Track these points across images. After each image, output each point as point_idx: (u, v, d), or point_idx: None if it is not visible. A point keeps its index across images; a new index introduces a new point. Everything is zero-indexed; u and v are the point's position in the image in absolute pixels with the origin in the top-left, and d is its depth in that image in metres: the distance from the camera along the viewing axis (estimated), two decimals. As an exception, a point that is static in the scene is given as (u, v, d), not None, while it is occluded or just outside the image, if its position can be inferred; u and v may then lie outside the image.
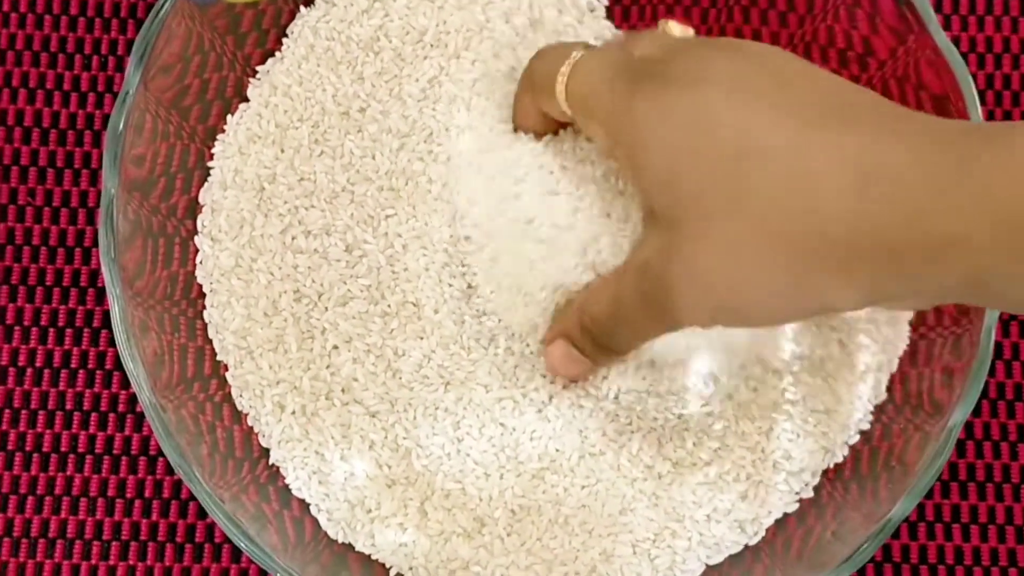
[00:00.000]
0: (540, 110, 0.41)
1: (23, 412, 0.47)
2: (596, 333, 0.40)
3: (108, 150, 0.41)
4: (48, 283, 0.48)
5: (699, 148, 0.32)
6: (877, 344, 0.45)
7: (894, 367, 0.46)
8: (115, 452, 0.47)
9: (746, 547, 0.45)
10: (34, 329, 0.48)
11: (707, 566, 0.45)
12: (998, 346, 0.49)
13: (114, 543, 0.46)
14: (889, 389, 0.46)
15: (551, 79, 0.38)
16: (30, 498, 0.46)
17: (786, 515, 0.45)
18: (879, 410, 0.45)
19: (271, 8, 0.47)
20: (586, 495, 0.44)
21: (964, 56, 0.49)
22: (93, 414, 0.47)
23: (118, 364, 0.48)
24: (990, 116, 0.51)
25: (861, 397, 0.45)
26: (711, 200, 0.31)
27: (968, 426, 0.48)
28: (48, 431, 0.47)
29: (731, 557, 0.45)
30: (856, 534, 0.42)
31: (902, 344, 0.46)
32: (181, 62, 0.45)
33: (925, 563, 0.47)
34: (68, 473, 0.47)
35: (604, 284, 0.40)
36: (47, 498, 0.47)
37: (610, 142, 0.37)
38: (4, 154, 0.49)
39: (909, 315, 0.46)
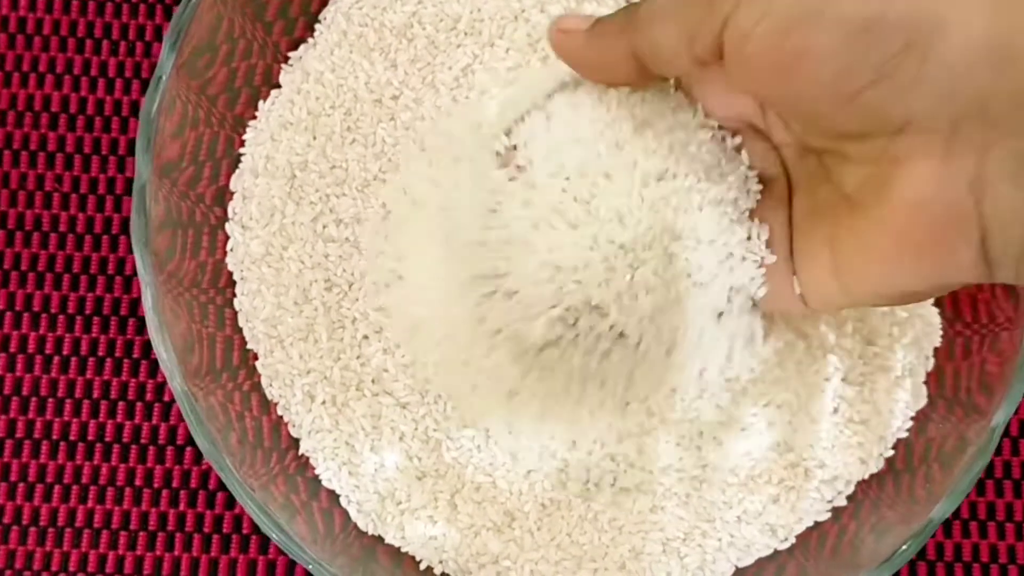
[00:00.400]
0: (635, 62, 0.33)
1: (50, 401, 0.47)
2: None
3: (141, 135, 0.40)
4: (75, 270, 0.48)
5: None
6: (908, 337, 0.45)
7: (930, 365, 0.45)
8: (142, 442, 0.47)
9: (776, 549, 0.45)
10: (61, 317, 0.47)
11: (737, 568, 0.44)
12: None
13: (141, 533, 0.46)
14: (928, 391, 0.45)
15: (713, 21, 0.30)
16: (57, 487, 0.46)
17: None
18: (920, 413, 0.45)
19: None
20: (616, 491, 0.44)
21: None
22: (120, 403, 0.47)
23: (145, 352, 0.47)
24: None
25: (899, 402, 0.44)
26: None
27: (1004, 423, 0.48)
28: (75, 419, 0.47)
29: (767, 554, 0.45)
30: (891, 533, 0.42)
31: (936, 337, 0.45)
32: (212, 48, 0.44)
33: (960, 561, 0.47)
34: (95, 463, 0.46)
35: None
36: (74, 487, 0.46)
37: None
38: (31, 140, 0.49)
39: (935, 308, 0.45)
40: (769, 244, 0.35)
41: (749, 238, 0.35)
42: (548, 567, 0.43)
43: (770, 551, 0.44)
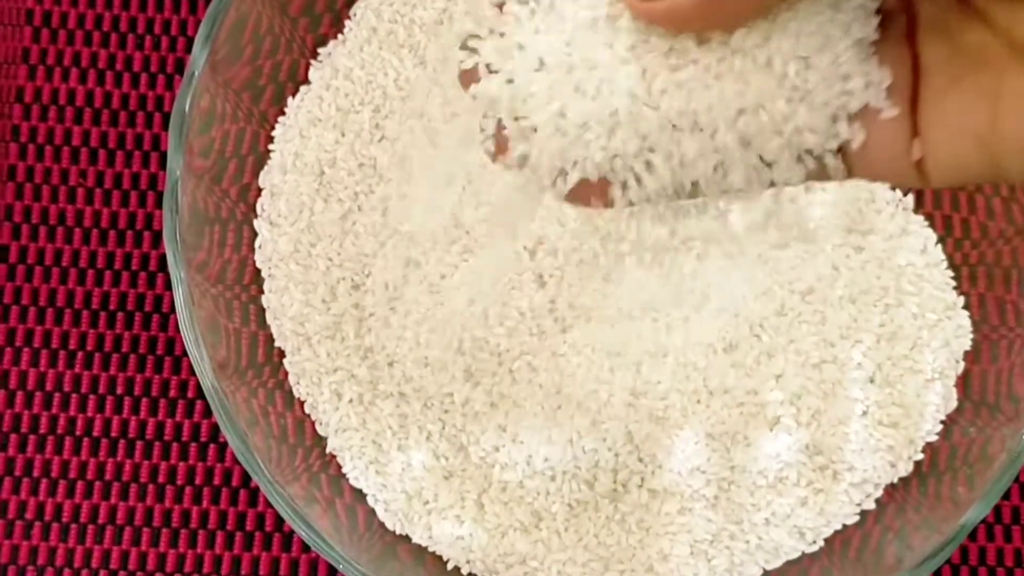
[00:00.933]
0: None
1: (73, 396, 0.47)
2: None
3: (173, 131, 0.40)
4: (99, 266, 0.47)
5: None
6: (938, 340, 0.45)
7: (960, 368, 0.45)
8: (166, 438, 0.46)
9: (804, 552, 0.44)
10: (85, 312, 0.47)
11: (765, 570, 0.44)
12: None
13: (164, 530, 0.46)
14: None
15: None
16: (80, 483, 0.46)
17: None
18: (948, 418, 0.45)
19: (325, -9, 0.47)
20: (644, 492, 0.44)
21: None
22: (144, 399, 0.47)
23: (168, 349, 0.47)
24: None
25: (929, 405, 0.44)
26: None
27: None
28: (99, 415, 0.46)
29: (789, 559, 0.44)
30: (917, 537, 0.42)
31: (966, 340, 0.45)
32: (240, 43, 0.44)
33: (984, 565, 0.46)
34: (118, 459, 0.46)
35: None
36: (96, 483, 0.46)
37: None
38: (56, 134, 0.48)
39: (965, 312, 0.45)
40: (889, 93, 0.27)
41: (868, 85, 0.26)
42: (575, 568, 0.43)
43: (798, 553, 0.44)
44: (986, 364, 0.45)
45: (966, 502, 0.41)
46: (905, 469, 0.44)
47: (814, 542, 0.44)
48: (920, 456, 0.44)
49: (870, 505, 0.44)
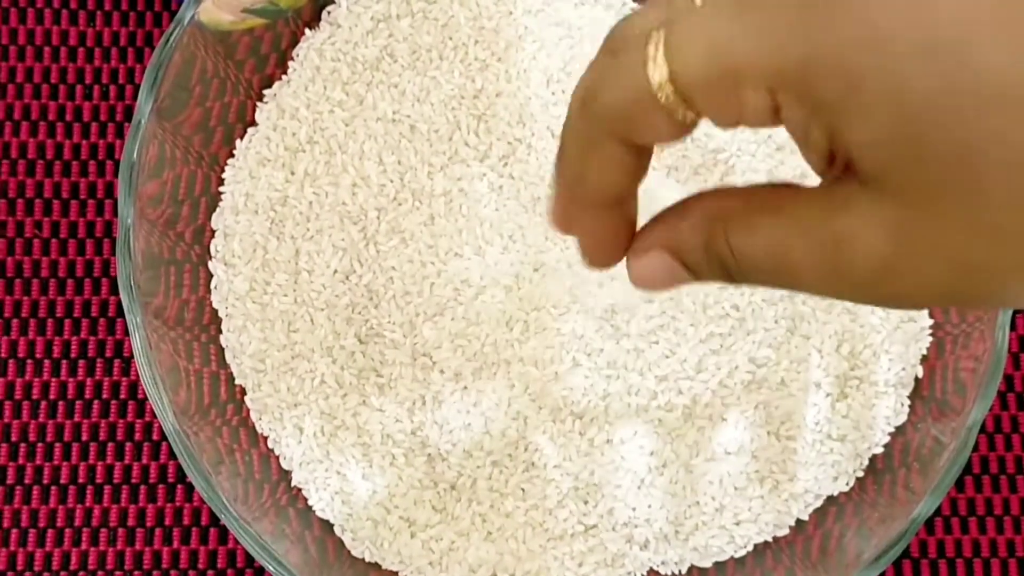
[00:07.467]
0: (623, 148, 0.25)
1: (39, 445, 0.47)
2: (739, 270, 0.25)
3: (122, 180, 0.41)
4: (59, 315, 0.48)
5: (958, 86, 0.20)
6: (892, 352, 0.45)
7: (912, 383, 0.46)
8: (133, 481, 0.47)
9: (767, 547, 0.45)
10: (47, 362, 0.48)
11: (693, 566, 0.45)
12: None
13: (136, 572, 0.46)
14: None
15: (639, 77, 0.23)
16: (50, 531, 0.46)
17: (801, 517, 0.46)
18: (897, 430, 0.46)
19: (268, 34, 0.47)
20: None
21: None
22: (109, 444, 0.47)
23: (131, 393, 0.48)
24: None
25: (877, 418, 0.45)
26: (973, 166, 0.21)
27: (978, 419, 0.49)
28: (65, 463, 0.47)
29: (753, 556, 0.45)
30: (875, 533, 0.43)
31: (923, 346, 0.46)
32: (187, 89, 0.45)
33: (943, 557, 0.47)
34: (87, 504, 0.47)
35: (773, 218, 0.24)
36: (67, 530, 0.46)
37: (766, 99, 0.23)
38: (9, 187, 0.49)
39: (928, 321, 0.46)
40: None
41: None
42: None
43: (726, 556, 0.44)
44: (933, 361, 0.46)
45: (919, 496, 0.42)
46: (846, 484, 0.45)
47: (744, 547, 0.44)
48: (862, 473, 0.45)
49: (804, 516, 0.45)
